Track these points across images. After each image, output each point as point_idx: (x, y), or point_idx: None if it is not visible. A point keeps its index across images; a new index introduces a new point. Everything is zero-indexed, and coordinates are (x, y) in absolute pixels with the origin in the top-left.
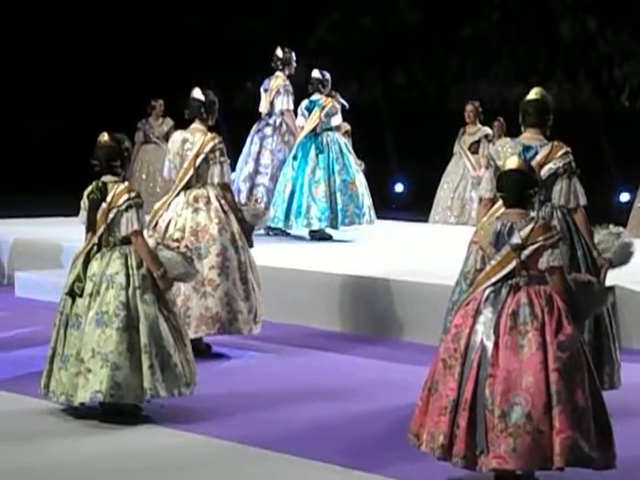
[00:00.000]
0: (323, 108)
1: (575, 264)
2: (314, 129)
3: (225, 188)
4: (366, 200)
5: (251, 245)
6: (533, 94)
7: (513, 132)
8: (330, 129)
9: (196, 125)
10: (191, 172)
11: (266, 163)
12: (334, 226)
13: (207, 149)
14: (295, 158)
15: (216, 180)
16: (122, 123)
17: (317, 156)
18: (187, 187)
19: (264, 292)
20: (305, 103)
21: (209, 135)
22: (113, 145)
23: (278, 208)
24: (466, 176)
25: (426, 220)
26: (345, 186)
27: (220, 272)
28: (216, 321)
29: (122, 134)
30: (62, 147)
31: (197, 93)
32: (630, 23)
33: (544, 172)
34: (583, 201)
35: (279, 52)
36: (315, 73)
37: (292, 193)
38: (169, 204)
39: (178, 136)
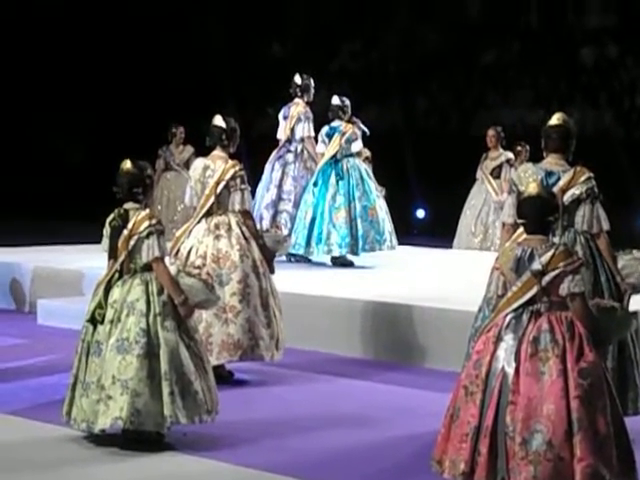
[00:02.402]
0: (343, 134)
1: (598, 289)
2: (334, 155)
3: (246, 215)
4: (387, 226)
5: (272, 272)
6: (555, 119)
7: (535, 158)
8: (351, 155)
9: (217, 152)
10: (212, 199)
11: (289, 190)
12: (355, 252)
13: (228, 176)
14: (316, 184)
15: (237, 207)
16: (143, 150)
17: (337, 182)
18: (208, 214)
19: (285, 319)
20: (325, 129)
21: (230, 162)
22: (135, 172)
23: (299, 234)
24: (489, 201)
25: (447, 246)
26: (365, 212)
27: (241, 299)
28: (238, 348)
29: (144, 161)
30: (84, 174)
31: (218, 120)
32: None
33: (567, 197)
34: (606, 226)
35: (297, 79)
36: (335, 100)
37: (313, 219)
38: (190, 231)
39: (199, 163)
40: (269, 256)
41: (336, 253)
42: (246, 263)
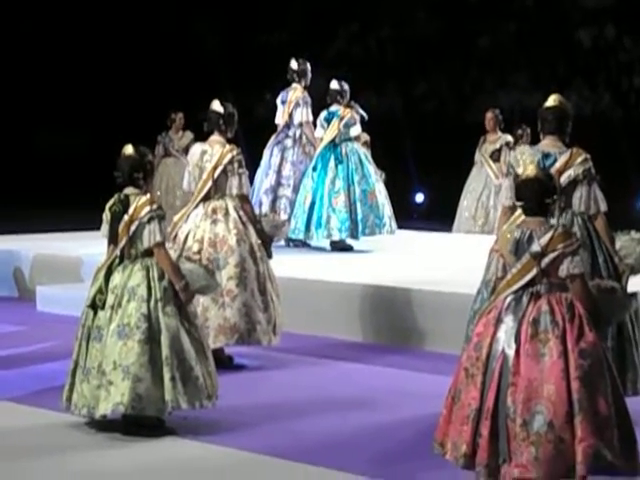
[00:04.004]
0: (342, 119)
1: (596, 270)
2: (333, 140)
3: (244, 199)
4: (387, 210)
5: (270, 256)
6: (551, 101)
7: (536, 140)
8: (349, 139)
9: (215, 137)
10: (210, 184)
11: (288, 175)
12: (354, 236)
13: (225, 160)
14: (315, 169)
15: (235, 191)
16: (143, 136)
17: (336, 166)
18: (206, 199)
19: (285, 303)
20: (324, 114)
21: (227, 147)
22: (136, 157)
23: (298, 219)
24: (489, 184)
25: (446, 229)
26: (365, 196)
27: (238, 283)
28: (234, 332)
29: (145, 147)
30: (83, 161)
31: (216, 105)
32: None
33: (564, 179)
34: (603, 207)
35: (294, 64)
36: (333, 84)
37: (312, 204)
38: (188, 216)
39: (197, 148)
40: (267, 240)
41: (336, 237)
42: (243, 247)
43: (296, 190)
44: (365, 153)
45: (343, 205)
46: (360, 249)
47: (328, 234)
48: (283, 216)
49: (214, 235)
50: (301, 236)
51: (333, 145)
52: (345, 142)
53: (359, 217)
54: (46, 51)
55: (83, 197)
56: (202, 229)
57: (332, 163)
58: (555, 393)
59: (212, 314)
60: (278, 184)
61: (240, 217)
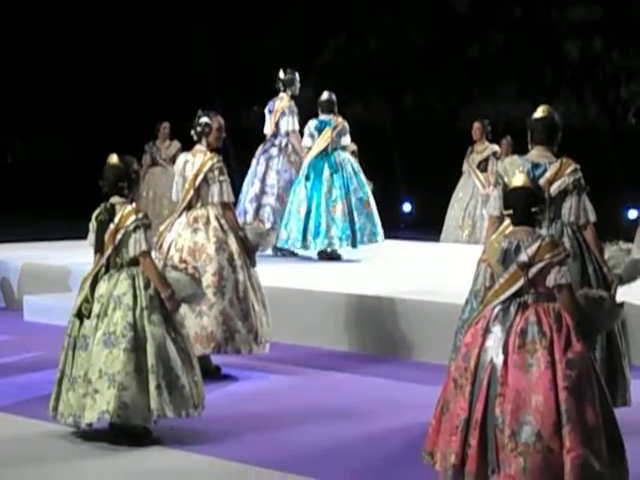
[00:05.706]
0: (335, 128)
1: (586, 280)
2: (325, 149)
3: (225, 207)
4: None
5: (253, 264)
6: (540, 112)
7: (519, 150)
8: (341, 148)
9: (198, 146)
10: (191, 192)
11: (272, 183)
12: (354, 245)
13: (206, 168)
14: (308, 178)
15: (216, 199)
16: (130, 145)
17: (332, 175)
18: (189, 207)
19: (271, 313)
20: (314, 123)
21: (208, 155)
22: (120, 166)
23: (293, 229)
24: (476, 194)
25: (434, 239)
26: (361, 205)
27: (216, 291)
28: (211, 340)
29: (131, 156)
30: (70, 170)
31: (198, 116)
32: (636, 43)
33: (553, 189)
34: (593, 218)
35: (281, 74)
36: (325, 94)
37: (308, 213)
38: (172, 225)
39: (181, 158)
40: (250, 249)
41: (337, 246)
42: (222, 256)
43: (279, 199)
44: (355, 162)
45: (341, 214)
46: (347, 259)
47: (329, 243)
48: (267, 224)
49: (193, 243)
50: (298, 245)
51: (325, 154)
52: (337, 151)
53: (357, 226)
54: (34, 60)
55: (70, 206)
56: (183, 238)
57: (327, 172)
58: (543, 403)
59: (189, 322)
60: (262, 192)
61: (221, 225)
